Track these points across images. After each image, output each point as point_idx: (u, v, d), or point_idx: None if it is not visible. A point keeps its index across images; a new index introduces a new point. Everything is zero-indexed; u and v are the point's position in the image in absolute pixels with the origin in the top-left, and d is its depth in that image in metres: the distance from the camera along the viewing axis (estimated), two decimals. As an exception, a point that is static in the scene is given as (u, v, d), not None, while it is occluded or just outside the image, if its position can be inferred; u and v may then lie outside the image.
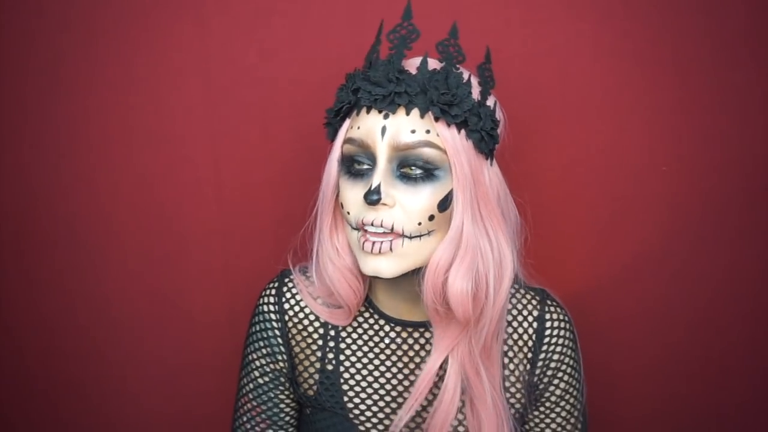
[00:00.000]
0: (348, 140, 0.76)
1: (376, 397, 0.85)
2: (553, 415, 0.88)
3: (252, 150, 1.07)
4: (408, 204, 0.73)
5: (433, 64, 0.76)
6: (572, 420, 0.89)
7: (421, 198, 0.73)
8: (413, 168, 0.73)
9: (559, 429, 0.88)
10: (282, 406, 0.88)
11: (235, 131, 1.07)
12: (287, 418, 0.89)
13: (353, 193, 0.75)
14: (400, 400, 0.85)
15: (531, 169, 1.07)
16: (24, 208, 1.08)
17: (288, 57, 1.04)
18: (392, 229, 0.72)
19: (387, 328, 0.86)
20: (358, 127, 0.74)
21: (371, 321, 0.86)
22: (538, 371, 0.86)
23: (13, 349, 1.12)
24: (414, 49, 0.77)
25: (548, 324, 0.86)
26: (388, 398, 0.85)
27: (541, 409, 0.88)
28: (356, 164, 0.75)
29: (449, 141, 0.73)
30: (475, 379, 0.79)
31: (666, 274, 1.08)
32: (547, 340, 0.86)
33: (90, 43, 1.03)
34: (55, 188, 1.07)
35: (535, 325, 0.86)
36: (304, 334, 0.87)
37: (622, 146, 1.05)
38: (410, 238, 0.73)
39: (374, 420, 0.85)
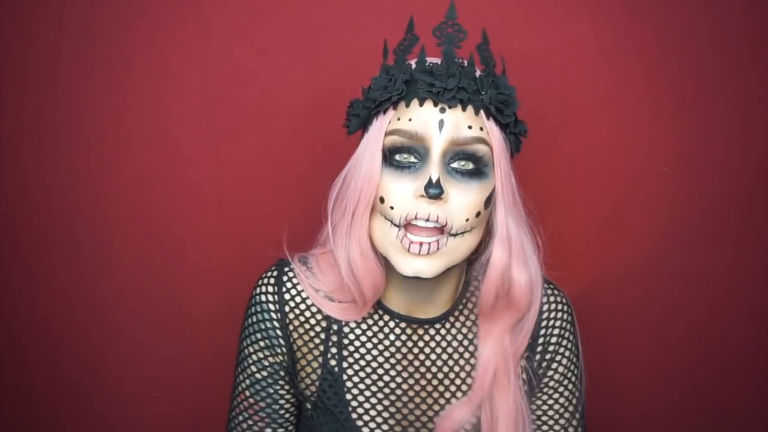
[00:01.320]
0: (394, 131, 0.73)
1: (380, 395, 0.83)
2: (551, 401, 0.87)
3: (252, 150, 1.07)
4: (460, 200, 0.73)
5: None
6: (570, 407, 0.88)
7: (472, 194, 0.73)
8: (465, 163, 0.74)
9: (557, 416, 0.88)
10: (282, 402, 0.84)
11: (234, 131, 1.07)
12: (287, 415, 0.85)
13: (399, 186, 0.73)
14: (404, 398, 0.84)
15: (531, 169, 1.07)
16: (23, 208, 1.08)
17: (288, 57, 1.04)
18: (444, 224, 0.72)
19: (392, 324, 0.84)
20: (410, 119, 0.73)
21: (376, 317, 0.84)
22: (537, 356, 0.86)
23: (12, 349, 1.12)
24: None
25: (545, 306, 0.86)
26: (392, 397, 0.83)
27: (540, 395, 0.87)
28: (399, 157, 0.73)
29: (497, 140, 0.75)
30: (503, 370, 0.81)
31: (666, 274, 1.08)
32: (545, 323, 0.86)
33: (89, 44, 1.03)
34: (54, 188, 1.07)
35: None
36: (306, 326, 0.83)
37: (622, 146, 1.05)
38: (454, 235, 0.73)
39: (378, 420, 0.83)
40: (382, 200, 0.74)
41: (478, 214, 0.74)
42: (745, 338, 1.09)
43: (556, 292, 0.88)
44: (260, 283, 0.85)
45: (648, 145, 1.05)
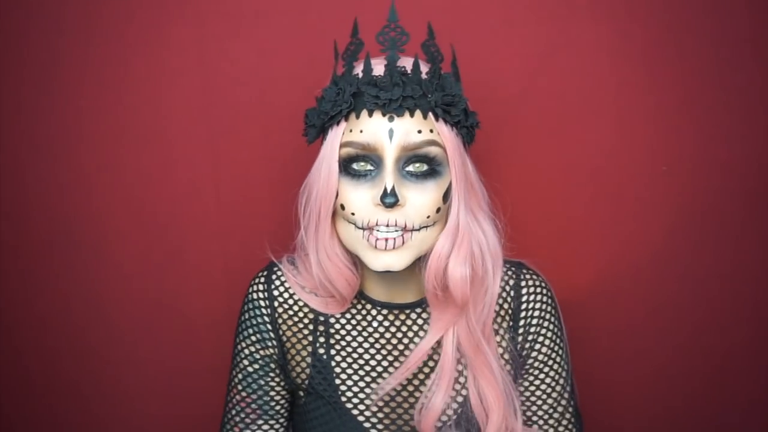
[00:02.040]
0: (348, 144, 0.77)
1: (368, 379, 0.87)
2: (537, 382, 0.88)
3: (251, 150, 1.07)
4: (418, 200, 0.76)
5: (405, 61, 0.78)
6: (558, 387, 0.89)
7: (429, 193, 0.77)
8: (419, 165, 0.77)
9: (544, 395, 0.88)
10: (272, 394, 0.89)
11: (234, 131, 1.07)
12: (278, 408, 0.90)
13: (357, 195, 0.76)
14: (385, 384, 0.86)
15: (531, 169, 1.07)
16: (22, 208, 1.08)
17: (287, 57, 1.04)
18: (404, 226, 0.76)
19: (374, 312, 0.88)
20: (361, 131, 0.76)
21: (359, 306, 0.88)
22: (520, 338, 0.87)
23: (10, 350, 1.11)
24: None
25: (524, 291, 0.88)
26: (380, 380, 0.87)
27: (526, 376, 0.88)
28: (356, 166, 0.77)
29: (448, 138, 0.78)
30: (476, 355, 0.83)
31: (667, 274, 1.08)
32: (524, 306, 0.88)
33: (88, 44, 1.03)
34: (53, 188, 1.07)
35: (512, 293, 0.88)
36: (295, 319, 0.89)
37: (622, 146, 1.05)
38: (418, 230, 0.77)
39: (368, 402, 0.87)
40: (342, 207, 0.78)
41: (438, 210, 0.78)
42: (746, 338, 1.09)
43: (534, 276, 0.90)
44: (252, 283, 0.91)
45: (648, 145, 1.05)
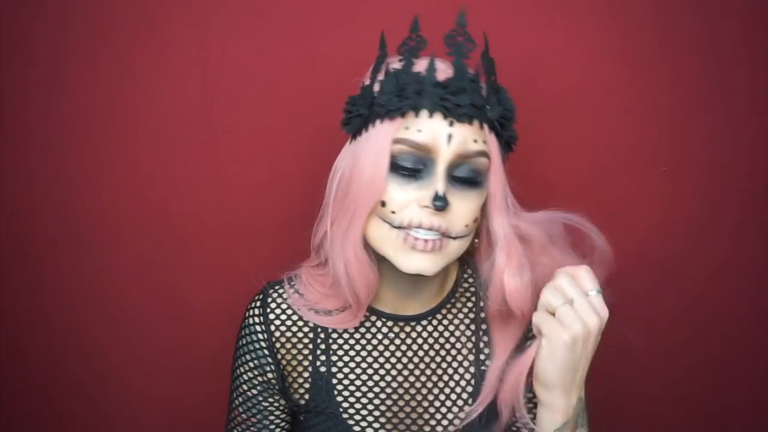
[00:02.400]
0: (402, 140, 0.74)
1: (370, 395, 0.85)
2: None
3: (252, 150, 1.07)
4: (460, 209, 0.75)
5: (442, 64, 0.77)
6: None
7: (471, 203, 0.76)
8: (467, 174, 0.75)
9: None
10: (272, 417, 0.89)
11: (235, 131, 1.07)
12: (279, 426, 0.89)
13: (403, 194, 0.74)
14: (394, 396, 0.85)
15: (531, 169, 1.07)
16: (24, 207, 1.08)
17: (288, 57, 1.04)
18: (444, 231, 0.74)
19: (379, 323, 0.86)
20: (419, 130, 0.73)
21: (362, 318, 0.86)
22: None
23: (13, 348, 1.12)
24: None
25: None
26: (383, 395, 0.85)
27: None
28: (408, 164, 0.74)
29: (495, 152, 0.77)
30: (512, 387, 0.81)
31: (666, 274, 1.08)
32: None
33: (89, 43, 1.03)
34: (55, 188, 1.07)
35: None
36: (294, 341, 0.87)
37: (622, 146, 1.05)
38: (454, 238, 0.76)
39: (369, 418, 0.85)
40: (383, 204, 0.75)
41: (475, 220, 0.77)
42: (746, 338, 1.09)
43: None
44: (248, 307, 0.89)
45: (648, 145, 1.05)
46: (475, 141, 0.74)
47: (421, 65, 0.76)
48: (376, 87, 0.77)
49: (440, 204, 0.72)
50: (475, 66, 0.76)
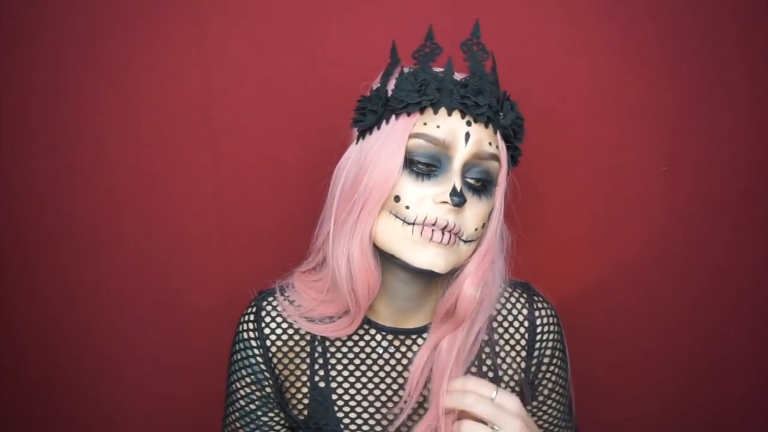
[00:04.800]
0: (420, 135, 0.73)
1: (372, 410, 0.84)
2: (545, 408, 0.89)
3: (252, 150, 1.07)
4: (472, 210, 0.75)
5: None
6: (561, 408, 0.90)
7: (481, 207, 0.76)
8: (479, 177, 0.75)
9: (550, 419, 0.90)
10: (277, 428, 0.87)
11: (234, 131, 1.07)
12: None
13: (418, 190, 0.73)
14: (396, 411, 0.84)
15: (531, 170, 1.07)
16: (23, 207, 1.08)
17: (288, 57, 1.04)
18: (458, 232, 0.74)
19: (378, 337, 0.85)
20: (438, 126, 0.73)
21: (361, 332, 0.85)
22: (533, 368, 0.87)
23: (12, 348, 1.12)
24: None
25: (538, 321, 0.87)
26: (385, 410, 0.84)
27: (533, 402, 0.89)
28: (422, 160, 0.73)
29: (504, 162, 0.78)
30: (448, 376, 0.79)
31: (666, 274, 1.08)
32: (539, 337, 0.87)
33: (89, 43, 1.03)
34: (54, 188, 1.07)
35: (526, 324, 0.87)
36: (291, 355, 0.85)
37: (621, 146, 1.05)
38: (465, 242, 0.75)
39: None
40: (397, 199, 0.74)
41: (483, 225, 0.77)
42: (746, 338, 1.09)
43: (546, 305, 0.89)
44: (241, 320, 0.87)
45: (647, 145, 1.05)
46: (490, 144, 0.75)
47: (437, 67, 0.77)
48: (390, 86, 0.77)
49: (458, 199, 0.71)
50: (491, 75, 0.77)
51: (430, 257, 0.73)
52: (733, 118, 1.03)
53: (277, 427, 0.87)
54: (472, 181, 0.75)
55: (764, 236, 1.06)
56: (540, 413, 0.89)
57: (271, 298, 0.86)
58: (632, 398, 1.12)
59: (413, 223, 0.73)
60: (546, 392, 0.89)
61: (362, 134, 0.78)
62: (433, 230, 0.72)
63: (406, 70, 0.78)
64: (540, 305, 0.88)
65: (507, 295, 0.89)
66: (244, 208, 1.09)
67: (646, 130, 1.04)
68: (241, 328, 0.86)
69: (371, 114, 0.77)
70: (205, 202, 1.08)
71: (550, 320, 0.88)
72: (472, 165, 0.74)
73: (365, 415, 0.84)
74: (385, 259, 0.78)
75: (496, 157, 0.75)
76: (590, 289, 1.08)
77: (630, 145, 1.05)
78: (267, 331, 0.85)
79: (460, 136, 0.73)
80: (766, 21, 1.01)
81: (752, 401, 1.11)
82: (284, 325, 0.85)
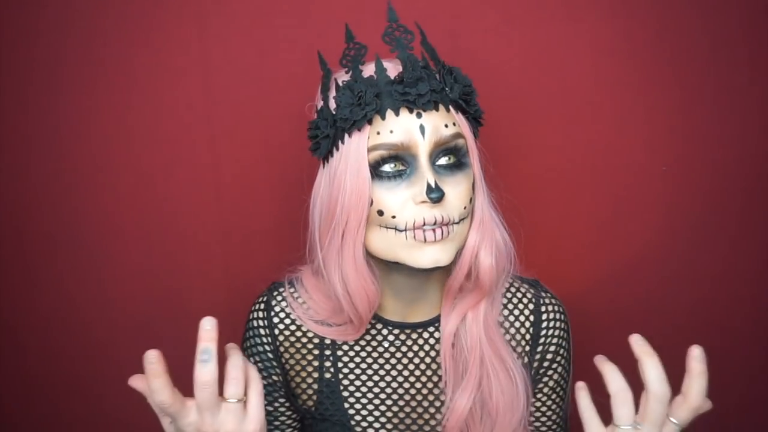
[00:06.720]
0: (378, 146, 0.73)
1: (377, 401, 0.85)
2: (544, 409, 0.89)
3: (252, 150, 1.07)
4: (454, 192, 0.75)
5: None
6: (559, 411, 0.90)
7: (461, 185, 0.75)
8: (449, 158, 0.75)
9: (549, 422, 0.90)
10: (279, 421, 0.89)
11: (234, 131, 1.07)
12: (289, 428, 0.90)
13: (396, 197, 0.73)
14: (401, 403, 0.85)
15: (531, 170, 1.07)
16: (24, 207, 1.08)
17: (288, 57, 1.04)
18: (447, 221, 0.74)
19: (385, 331, 0.86)
20: (391, 131, 0.73)
21: (368, 326, 0.86)
22: (536, 363, 0.87)
23: (13, 349, 1.12)
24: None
25: (544, 317, 0.87)
26: (389, 402, 0.85)
27: (533, 399, 0.89)
28: (388, 168, 0.74)
29: (467, 131, 0.78)
30: (489, 345, 0.81)
31: (666, 274, 1.08)
32: (544, 332, 0.87)
33: (90, 43, 1.03)
34: (55, 188, 1.07)
35: (531, 318, 0.87)
36: (298, 345, 0.87)
37: (621, 146, 1.05)
38: (457, 222, 0.75)
39: (376, 425, 0.85)
40: (380, 213, 0.74)
41: (471, 200, 0.77)
42: (746, 338, 1.09)
43: (554, 300, 0.89)
44: (252, 309, 0.89)
45: (647, 145, 1.05)
46: (446, 126, 0.74)
47: (369, 69, 0.76)
48: (332, 104, 0.76)
49: (436, 195, 0.71)
50: (420, 55, 0.77)
51: (431, 256, 0.74)
52: (734, 118, 1.03)
53: (282, 417, 0.89)
54: (443, 164, 0.75)
55: (765, 236, 1.06)
56: (538, 413, 0.89)
57: (282, 289, 0.88)
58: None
59: (405, 230, 0.73)
60: (546, 390, 0.88)
61: (325, 158, 0.78)
62: (425, 231, 0.73)
63: (343, 79, 0.77)
64: (547, 300, 0.88)
65: (514, 290, 0.89)
66: (244, 207, 1.09)
67: (646, 130, 1.04)
68: (251, 317, 0.89)
69: (324, 139, 0.77)
70: (206, 201, 1.08)
71: (557, 316, 0.88)
72: (438, 152, 0.74)
73: (370, 407, 0.85)
74: (388, 262, 0.78)
75: (458, 135, 0.75)
76: (590, 289, 1.08)
77: (630, 145, 1.05)
78: (276, 320, 0.87)
79: (416, 131, 0.73)
80: (766, 21, 1.01)
81: (752, 401, 1.11)
82: (293, 317, 0.87)
